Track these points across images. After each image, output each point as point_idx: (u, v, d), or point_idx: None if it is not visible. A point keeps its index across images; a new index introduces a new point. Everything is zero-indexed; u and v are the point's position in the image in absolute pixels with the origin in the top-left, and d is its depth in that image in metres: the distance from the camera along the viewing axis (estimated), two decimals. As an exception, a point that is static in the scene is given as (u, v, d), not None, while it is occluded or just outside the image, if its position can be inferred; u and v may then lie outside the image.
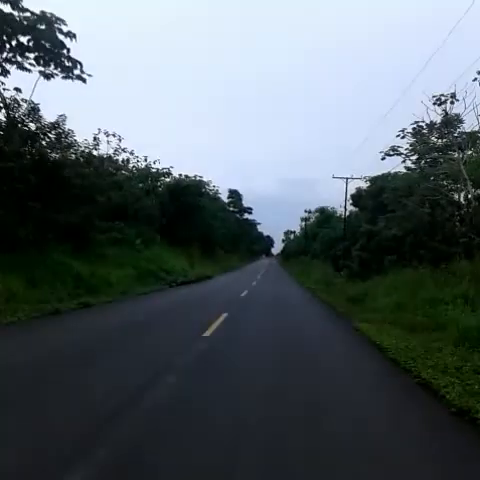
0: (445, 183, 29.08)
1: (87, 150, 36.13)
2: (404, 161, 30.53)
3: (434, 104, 23.40)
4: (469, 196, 24.32)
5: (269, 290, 28.24)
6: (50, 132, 21.86)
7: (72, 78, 24.85)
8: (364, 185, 45.61)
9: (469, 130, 25.06)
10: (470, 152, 27.49)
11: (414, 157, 33.06)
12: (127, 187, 37.99)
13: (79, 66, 21.54)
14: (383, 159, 28.02)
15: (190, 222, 47.05)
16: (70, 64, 19.97)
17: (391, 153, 27.73)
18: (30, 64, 23.34)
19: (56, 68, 20.38)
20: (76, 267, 17.31)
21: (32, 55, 20.11)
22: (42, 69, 24.12)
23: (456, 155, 28.51)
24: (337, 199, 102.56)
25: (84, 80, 24.79)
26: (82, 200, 21.97)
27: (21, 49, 20.14)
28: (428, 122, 25.64)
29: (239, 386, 6.89)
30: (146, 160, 45.65)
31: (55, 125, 21.83)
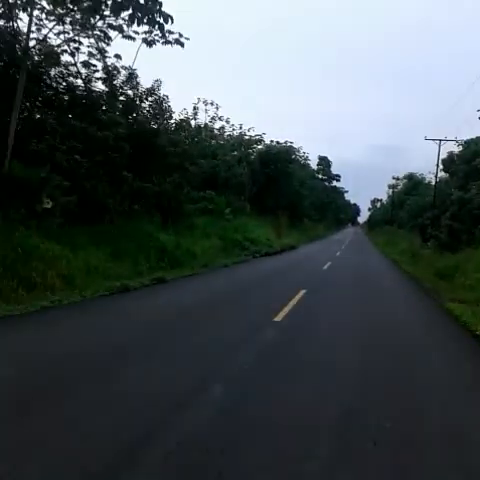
0: None
1: (185, 118, 36.59)
2: None
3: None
4: None
5: (352, 263, 26.46)
6: (146, 98, 21.55)
7: (171, 43, 24.24)
8: (456, 150, 42.39)
9: None
10: None
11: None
12: (220, 155, 37.64)
13: (170, 21, 20.71)
14: (481, 118, 25.28)
15: (279, 190, 46.02)
16: (161, 20, 19.04)
17: None
18: (134, 32, 23.02)
19: (150, 25, 19.62)
20: (162, 239, 16.79)
21: (126, 14, 19.38)
22: (145, 36, 23.76)
23: None
24: (427, 167, 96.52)
25: (182, 44, 24.09)
26: (174, 169, 21.69)
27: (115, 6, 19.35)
28: None
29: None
30: (241, 128, 45.10)
31: (151, 91, 21.49)
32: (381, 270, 24.16)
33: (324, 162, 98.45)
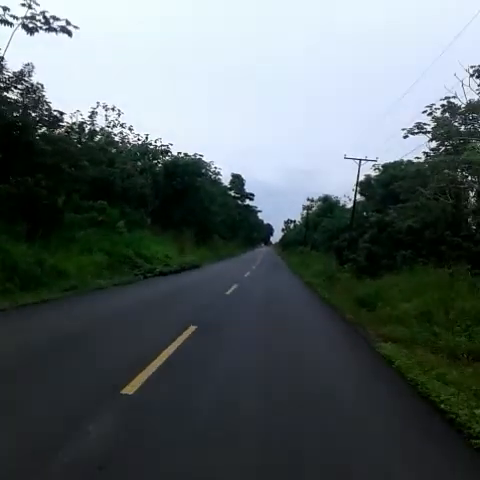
0: (465, 174, 25.52)
1: (80, 122, 33.22)
2: (431, 140, 26.81)
3: (471, 76, 19.39)
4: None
5: (262, 286, 23.75)
6: (15, 86, 17.98)
7: (56, 30, 21.40)
8: (373, 173, 42.09)
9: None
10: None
11: (433, 144, 29.48)
12: (119, 163, 34.31)
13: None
14: (405, 137, 24.16)
15: (186, 205, 43.14)
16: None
17: (415, 131, 23.74)
18: (12, 16, 20.06)
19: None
20: (14, 253, 13.07)
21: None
22: (25, 22, 20.75)
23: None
24: (342, 190, 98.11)
25: (69, 33, 21.33)
26: (46, 169, 17.98)
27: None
28: (463, 97, 21.80)
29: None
30: (147, 138, 42.42)
31: (19, 77, 17.84)
32: (295, 295, 21.77)
33: (237, 180, 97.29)
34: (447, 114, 25.19)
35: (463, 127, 27.28)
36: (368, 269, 23.27)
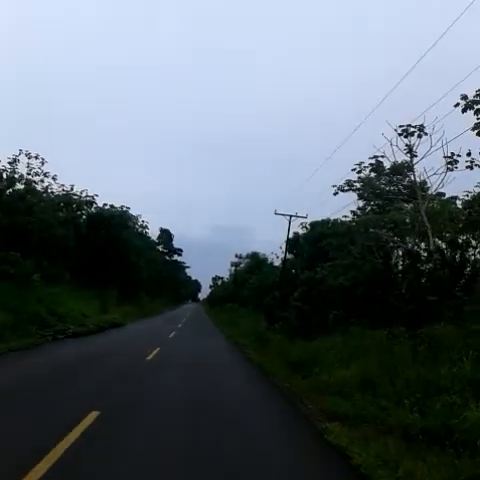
0: (391, 234, 25.57)
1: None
2: (359, 199, 26.83)
3: (400, 135, 19.35)
4: (431, 247, 20.36)
5: (186, 349, 21.66)
6: None
7: None
8: (301, 231, 42.10)
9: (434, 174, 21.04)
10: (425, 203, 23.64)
11: (361, 203, 29.74)
12: (37, 213, 32.02)
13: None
14: (336, 194, 23.79)
15: (111, 259, 40.86)
16: None
17: (346, 188, 23.48)
18: None
19: None
20: None
21: None
22: None
23: (406, 204, 25.29)
24: (270, 247, 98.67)
25: None
26: None
27: None
28: (392, 156, 21.80)
29: None
30: (72, 188, 40.29)
31: None
32: (224, 360, 19.99)
33: (166, 234, 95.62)
34: (373, 174, 25.32)
35: (388, 187, 27.57)
36: (300, 330, 22.18)
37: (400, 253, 23.89)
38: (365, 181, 25.47)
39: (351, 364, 13.19)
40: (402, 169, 26.35)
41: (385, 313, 18.90)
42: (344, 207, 30.46)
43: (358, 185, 25.63)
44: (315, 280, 25.52)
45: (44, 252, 30.19)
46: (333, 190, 23.56)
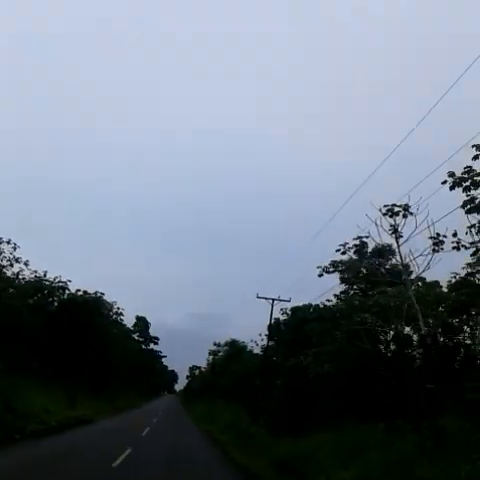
0: (376, 318, 24.56)
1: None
2: (343, 282, 25.95)
3: (384, 214, 18.73)
4: (422, 331, 19.26)
5: (161, 450, 19.12)
6: None
7: None
8: (282, 317, 40.81)
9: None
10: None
11: (343, 286, 28.92)
12: (4, 299, 30.34)
13: None
14: (320, 276, 22.89)
15: (83, 348, 38.49)
16: None
17: (331, 269, 22.62)
18: None
19: None
20: None
21: None
22: None
23: (389, 288, 24.53)
24: (249, 334, 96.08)
25: None
26: None
27: None
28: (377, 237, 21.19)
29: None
30: (45, 275, 39.02)
31: None
32: (203, 463, 17.31)
33: (142, 322, 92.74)
34: (355, 257, 24.74)
35: (371, 270, 26.92)
36: (286, 423, 20.29)
37: (388, 338, 22.78)
38: (348, 264, 24.84)
39: (350, 464, 11.54)
40: (385, 252, 25.84)
41: (378, 403, 17.42)
42: (325, 292, 29.51)
43: (340, 268, 25.01)
44: (299, 367, 23.94)
45: (9, 340, 28.18)
46: (315, 272, 22.61)
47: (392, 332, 23.49)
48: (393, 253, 26.43)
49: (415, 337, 20.67)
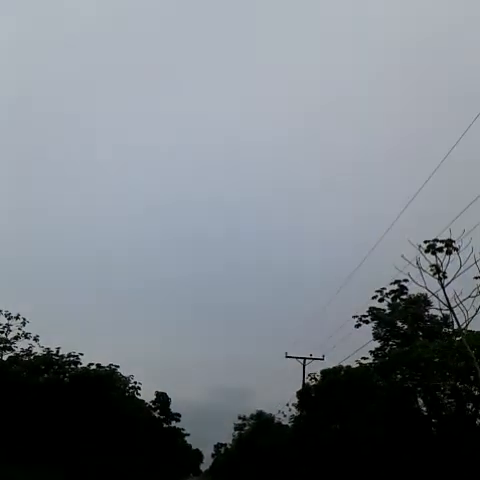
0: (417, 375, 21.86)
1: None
2: (374, 339, 23.33)
3: (426, 251, 16.26)
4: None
5: None
6: None
7: None
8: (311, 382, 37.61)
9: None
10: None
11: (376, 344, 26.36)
12: (11, 375, 28.06)
13: None
14: (358, 326, 20.31)
15: (96, 425, 35.22)
16: None
17: (369, 318, 20.08)
18: None
19: None
20: None
21: None
22: None
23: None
24: (276, 408, 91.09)
25: None
26: None
27: None
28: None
29: None
30: (58, 351, 37.05)
31: None
32: None
33: (162, 398, 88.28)
34: (388, 311, 22.32)
35: (406, 325, 24.59)
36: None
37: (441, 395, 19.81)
38: (381, 317, 22.50)
39: None
40: (420, 302, 23.55)
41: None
42: (358, 349, 26.66)
43: (370, 320, 22.43)
44: (342, 432, 20.91)
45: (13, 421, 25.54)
46: (349, 326, 20.09)
47: (442, 388, 20.66)
48: (428, 303, 24.03)
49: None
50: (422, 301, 24.81)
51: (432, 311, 22.79)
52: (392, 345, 26.86)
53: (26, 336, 35.40)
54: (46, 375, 35.85)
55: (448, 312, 18.54)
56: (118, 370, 40.85)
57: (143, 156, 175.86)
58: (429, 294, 19.27)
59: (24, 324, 35.03)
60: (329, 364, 32.82)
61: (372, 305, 21.04)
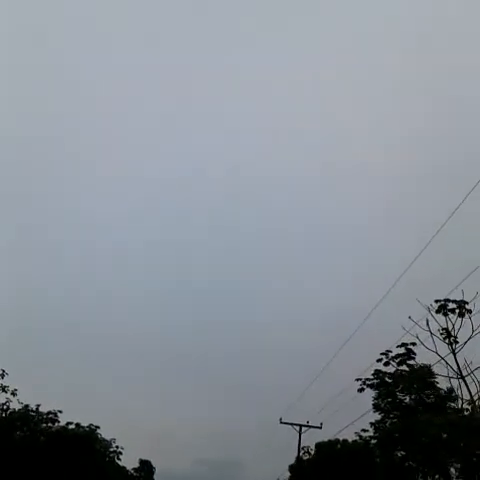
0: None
1: None
2: (375, 411, 21.66)
3: (437, 312, 15.03)
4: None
5: None
6: None
7: None
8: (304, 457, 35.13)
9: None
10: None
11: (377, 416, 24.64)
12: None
13: None
14: (361, 390, 18.78)
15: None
16: None
17: (374, 381, 18.59)
18: None
19: None
20: None
21: None
22: None
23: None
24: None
25: None
26: None
27: None
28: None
29: None
30: (38, 408, 34.75)
31: None
32: None
33: (146, 466, 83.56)
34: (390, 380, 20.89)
35: (408, 398, 23.07)
36: None
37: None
38: (381, 390, 21.02)
39: None
40: (425, 373, 22.15)
41: None
42: (356, 419, 24.76)
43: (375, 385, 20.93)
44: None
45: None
46: (349, 393, 18.62)
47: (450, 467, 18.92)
48: (432, 375, 22.64)
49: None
50: (426, 372, 23.30)
51: (438, 378, 21.23)
52: (393, 418, 25.07)
53: (4, 389, 33.28)
54: (19, 432, 33.67)
55: (452, 385, 17.31)
56: (98, 431, 38.26)
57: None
58: (434, 364, 18.17)
59: (2, 376, 32.67)
60: (327, 433, 30.39)
61: (376, 368, 19.50)
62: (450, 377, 16.58)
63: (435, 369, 20.04)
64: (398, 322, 16.43)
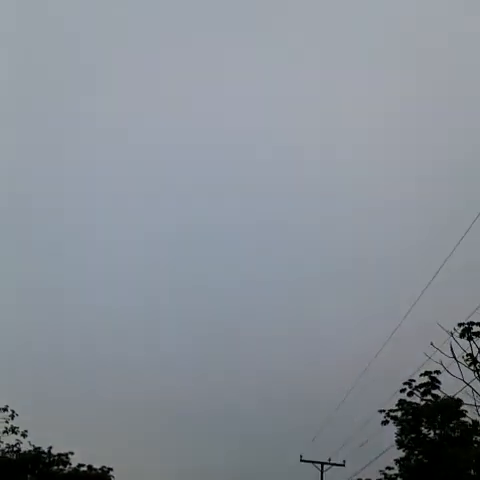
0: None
1: None
2: (398, 448, 20.66)
3: (461, 336, 14.24)
4: None
5: None
6: None
7: None
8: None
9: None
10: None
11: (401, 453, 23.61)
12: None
13: None
14: (385, 423, 17.93)
15: None
16: None
17: (397, 414, 17.73)
18: None
19: None
20: None
21: None
22: None
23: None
24: None
25: None
26: None
27: None
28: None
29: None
30: (50, 450, 34.27)
31: None
32: None
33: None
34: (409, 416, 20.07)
35: (432, 432, 22.10)
36: None
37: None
38: (403, 424, 20.11)
39: None
40: (449, 407, 21.27)
41: None
42: (378, 456, 23.59)
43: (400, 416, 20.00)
44: None
45: None
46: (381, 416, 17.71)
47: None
48: (458, 405, 21.72)
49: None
50: (453, 405, 22.39)
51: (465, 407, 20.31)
52: (418, 455, 23.97)
53: (14, 431, 32.71)
54: (29, 476, 32.92)
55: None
56: (111, 473, 37.21)
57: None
58: (457, 393, 17.41)
59: (13, 417, 32.27)
60: (349, 470, 28.72)
61: (400, 398, 18.58)
62: (477, 406, 15.72)
63: (461, 397, 19.11)
64: (419, 349, 15.65)
